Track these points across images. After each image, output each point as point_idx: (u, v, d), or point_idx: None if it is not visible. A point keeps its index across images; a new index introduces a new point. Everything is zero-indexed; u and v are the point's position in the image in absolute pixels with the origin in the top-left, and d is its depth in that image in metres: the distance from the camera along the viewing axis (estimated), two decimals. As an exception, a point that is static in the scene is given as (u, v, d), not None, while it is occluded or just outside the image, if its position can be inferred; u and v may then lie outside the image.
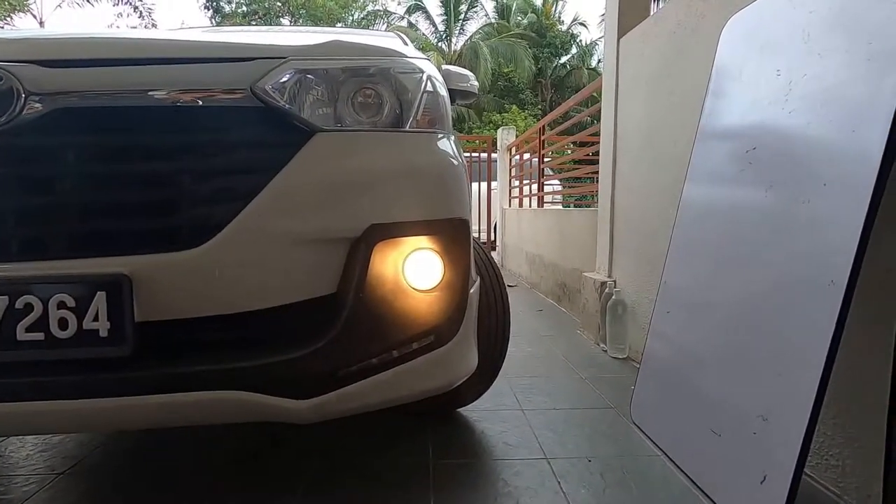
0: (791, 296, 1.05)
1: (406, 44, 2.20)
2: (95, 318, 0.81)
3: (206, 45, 0.98)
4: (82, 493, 1.22)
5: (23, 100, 0.82)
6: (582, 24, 21.88)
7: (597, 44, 21.85)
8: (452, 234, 1.04)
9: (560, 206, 5.45)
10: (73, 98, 0.85)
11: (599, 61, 22.20)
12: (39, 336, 0.81)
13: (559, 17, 22.91)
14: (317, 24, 18.73)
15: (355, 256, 0.95)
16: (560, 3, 22.63)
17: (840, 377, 0.97)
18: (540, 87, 21.91)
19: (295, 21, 19.58)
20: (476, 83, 1.87)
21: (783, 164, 1.16)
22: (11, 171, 0.84)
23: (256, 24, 18.97)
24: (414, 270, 1.00)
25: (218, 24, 18.83)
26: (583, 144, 4.62)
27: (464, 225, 1.07)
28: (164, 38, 0.98)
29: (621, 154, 2.42)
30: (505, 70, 20.14)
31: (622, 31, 2.35)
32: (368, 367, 0.95)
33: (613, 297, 2.28)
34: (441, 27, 21.65)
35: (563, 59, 22.24)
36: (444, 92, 1.15)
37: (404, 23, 21.06)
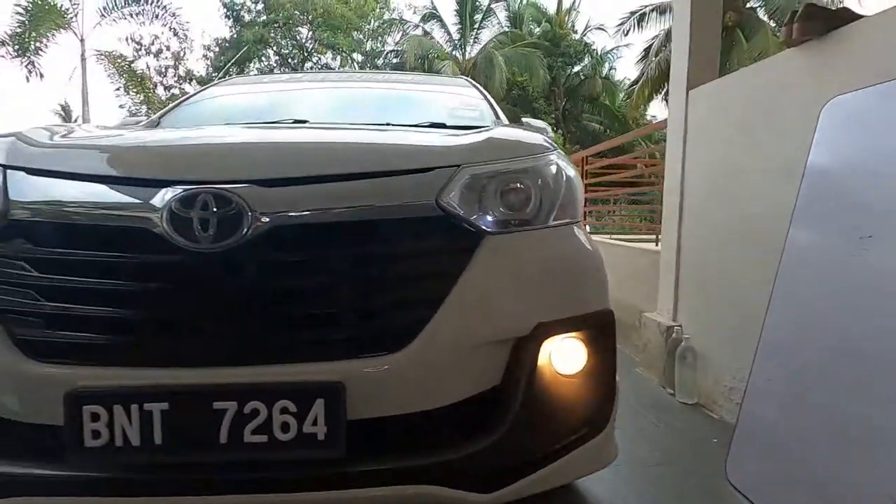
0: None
1: (480, 92, 2.26)
2: (314, 423, 0.88)
3: (392, 154, 1.07)
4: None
5: (250, 219, 0.90)
6: (601, 28, 21.94)
7: (610, 52, 21.94)
8: (602, 326, 1.12)
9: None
10: (288, 215, 0.93)
11: (612, 69, 22.29)
12: (263, 438, 0.88)
13: (573, 26, 22.99)
14: (334, 34, 18.98)
15: (523, 353, 1.02)
16: (574, 12, 22.73)
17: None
18: (553, 96, 21.98)
19: (314, 30, 19.74)
20: (552, 134, 1.93)
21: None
22: (241, 285, 0.92)
23: (275, 34, 19.24)
24: (571, 364, 1.07)
25: (239, 32, 19.12)
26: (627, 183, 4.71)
27: (610, 316, 1.14)
28: (349, 142, 1.06)
29: (689, 198, 2.48)
30: (519, 79, 20.22)
31: (691, 85, 2.43)
32: (537, 459, 1.02)
33: (683, 343, 2.34)
34: (456, 36, 21.77)
35: (577, 67, 22.30)
36: (572, 173, 1.20)
37: (419, 31, 21.19)
